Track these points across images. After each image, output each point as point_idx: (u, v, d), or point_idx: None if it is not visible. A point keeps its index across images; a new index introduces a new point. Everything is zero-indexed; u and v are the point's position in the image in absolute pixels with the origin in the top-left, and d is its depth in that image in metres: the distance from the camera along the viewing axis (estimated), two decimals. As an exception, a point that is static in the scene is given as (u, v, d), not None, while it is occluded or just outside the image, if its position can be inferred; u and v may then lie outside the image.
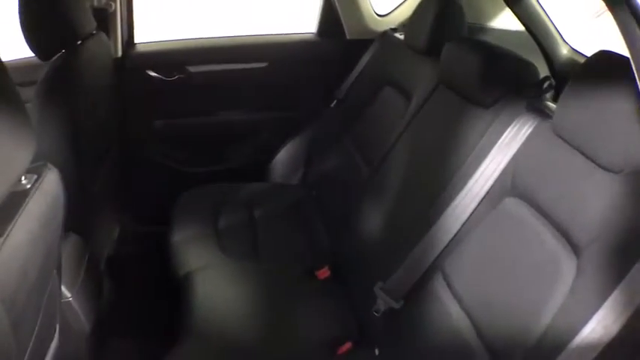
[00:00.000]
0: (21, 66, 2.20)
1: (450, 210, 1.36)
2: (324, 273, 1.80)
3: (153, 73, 2.37)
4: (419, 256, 1.41)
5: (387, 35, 2.21)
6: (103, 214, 2.02)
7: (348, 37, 2.38)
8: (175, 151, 2.51)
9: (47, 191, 1.05)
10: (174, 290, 1.78)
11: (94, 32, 1.87)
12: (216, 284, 1.73)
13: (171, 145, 2.50)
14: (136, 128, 2.43)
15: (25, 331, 0.95)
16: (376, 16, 2.38)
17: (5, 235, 0.86)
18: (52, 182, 1.08)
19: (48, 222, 1.05)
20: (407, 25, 1.98)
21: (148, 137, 2.46)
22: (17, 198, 0.96)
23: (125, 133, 2.34)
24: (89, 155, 1.73)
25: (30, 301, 0.96)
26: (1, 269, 0.83)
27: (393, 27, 2.28)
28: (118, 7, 2.25)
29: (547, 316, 1.04)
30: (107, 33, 2.17)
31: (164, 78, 2.37)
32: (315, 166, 2.26)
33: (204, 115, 2.49)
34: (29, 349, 0.97)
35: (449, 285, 1.32)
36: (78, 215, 1.69)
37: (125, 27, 2.33)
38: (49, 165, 1.11)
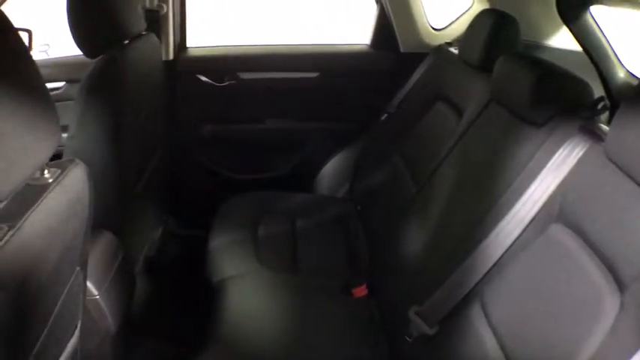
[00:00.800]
0: (71, 63, 2.25)
1: (493, 234, 1.28)
2: (360, 291, 1.74)
3: (204, 78, 2.38)
4: (458, 282, 1.33)
5: (441, 49, 2.15)
6: (144, 215, 2.02)
7: (402, 50, 2.33)
8: (222, 156, 2.50)
9: (69, 187, 1.03)
10: (207, 296, 1.76)
11: (144, 33, 1.88)
12: (249, 294, 1.70)
13: (219, 151, 2.50)
14: (184, 132, 2.44)
15: (32, 325, 0.93)
16: (431, 30, 2.33)
17: (16, 228, 0.84)
18: (76, 178, 1.06)
19: (68, 218, 1.03)
20: (461, 40, 1.92)
21: (196, 141, 2.46)
22: (35, 191, 0.95)
23: (173, 136, 2.35)
24: (131, 155, 1.73)
25: (40, 295, 0.94)
26: (9, 260, 0.82)
27: (448, 41, 2.22)
28: (170, 10, 2.26)
29: (585, 354, 0.95)
30: (159, 35, 2.19)
31: (215, 83, 2.38)
32: (362, 180, 2.21)
33: (253, 123, 2.48)
34: (39, 343, 0.95)
35: (486, 314, 1.24)
36: (115, 214, 1.70)
37: (178, 30, 2.35)
38: (77, 161, 1.09)
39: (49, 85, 2.33)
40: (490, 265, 1.28)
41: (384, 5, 2.26)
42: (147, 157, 1.94)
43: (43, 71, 2.27)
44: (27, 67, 0.90)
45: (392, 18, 2.27)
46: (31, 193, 0.94)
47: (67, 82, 2.32)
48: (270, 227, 2.00)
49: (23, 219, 0.87)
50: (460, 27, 2.26)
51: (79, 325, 1.22)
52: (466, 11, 2.32)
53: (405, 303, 1.46)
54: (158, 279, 2.08)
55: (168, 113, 2.21)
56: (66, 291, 1.09)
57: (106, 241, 1.61)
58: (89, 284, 1.43)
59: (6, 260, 0.81)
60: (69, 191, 1.03)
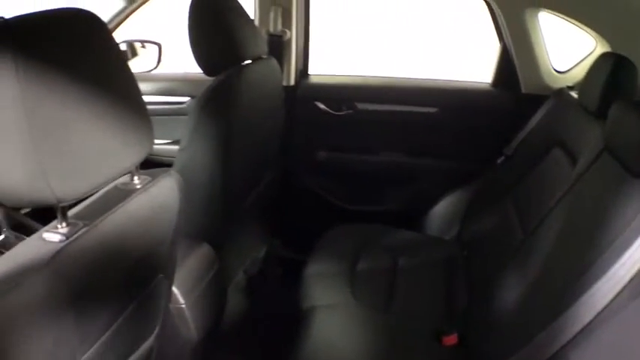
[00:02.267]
0: (195, 80, 2.38)
1: (588, 295, 1.16)
2: (450, 340, 1.64)
3: (322, 105, 2.41)
4: (545, 342, 1.23)
5: (562, 93, 2.03)
6: (247, 233, 2.05)
7: (523, 90, 2.22)
8: (334, 184, 2.51)
9: (156, 195, 1.07)
10: (294, 321, 1.75)
11: (265, 57, 1.93)
12: (336, 326, 1.67)
13: (331, 179, 2.51)
14: (298, 156, 2.48)
15: (94, 322, 0.96)
16: (554, 72, 2.21)
17: (90, 226, 0.89)
18: (164, 187, 1.10)
19: (150, 225, 1.07)
20: (581, 84, 1.82)
21: (308, 167, 2.49)
22: (121, 195, 1.00)
23: (287, 159, 2.40)
24: (239, 173, 1.77)
25: (108, 292, 0.98)
26: (77, 255, 0.86)
27: (569, 85, 2.09)
28: (293, 36, 2.33)
29: None
30: (281, 60, 2.25)
31: (332, 111, 2.40)
32: (472, 224, 2.11)
33: (368, 154, 2.47)
34: (100, 341, 0.98)
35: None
36: (215, 227, 1.74)
37: (300, 56, 2.41)
38: (172, 172, 1.14)
39: (173, 99, 2.50)
40: (580, 327, 1.16)
41: (507, 44, 2.19)
42: (257, 177, 1.98)
43: (168, 85, 2.42)
44: (124, 78, 0.96)
45: (514, 57, 2.19)
46: (116, 196, 0.98)
47: (191, 97, 2.46)
48: (371, 262, 1.96)
49: (100, 219, 0.91)
50: (582, 70, 2.12)
51: (156, 330, 1.25)
52: (589, 54, 2.18)
53: (492, 357, 1.38)
54: (253, 297, 2.10)
55: (284, 137, 2.26)
56: (143, 294, 1.12)
57: (202, 252, 1.65)
58: (177, 292, 1.48)
59: (74, 254, 0.85)
60: (155, 199, 1.06)
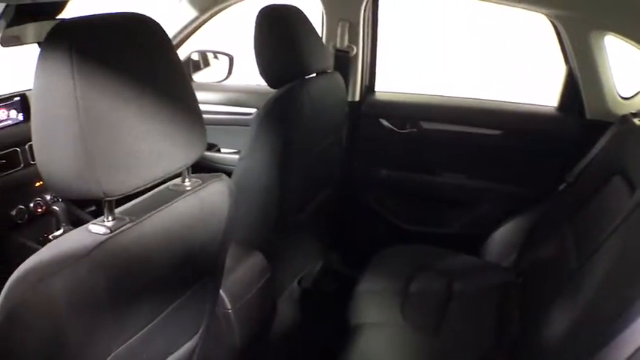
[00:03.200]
0: (263, 92, 2.40)
1: (630, 329, 1.11)
2: (498, 367, 1.61)
3: (386, 123, 2.41)
4: None
5: (626, 119, 1.94)
6: (302, 245, 2.07)
7: (588, 116, 2.15)
8: (393, 203, 2.50)
9: (205, 198, 1.09)
10: (342, 336, 1.75)
11: (329, 71, 1.96)
12: (382, 345, 1.66)
13: (390, 197, 2.50)
14: (360, 172, 2.48)
15: (132, 316, 0.99)
16: (619, 98, 2.13)
17: (135, 222, 0.93)
18: (215, 191, 1.12)
19: (197, 227, 1.09)
20: None
21: (369, 184, 2.49)
22: (170, 195, 1.03)
23: (348, 175, 2.41)
24: (297, 185, 1.79)
25: (150, 290, 1.01)
26: (119, 249, 0.90)
27: (633, 111, 2.00)
28: (360, 52, 2.34)
29: None
30: (347, 76, 2.28)
31: (396, 129, 2.40)
32: (530, 251, 2.05)
33: (429, 174, 2.44)
34: (138, 335, 1.01)
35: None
36: (269, 237, 1.77)
37: (367, 72, 2.42)
38: (224, 177, 1.16)
39: (241, 110, 2.56)
40: (627, 355, 1.11)
41: (572, 67, 2.12)
42: (315, 190, 2.00)
43: (237, 96, 2.50)
44: (179, 82, 1.00)
45: (579, 81, 2.12)
46: (165, 197, 1.02)
47: (258, 109, 2.51)
48: (424, 283, 1.93)
49: (146, 216, 0.95)
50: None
51: (200, 332, 1.27)
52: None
53: None
54: (303, 309, 2.11)
55: (346, 152, 2.27)
56: (186, 295, 1.14)
57: (253, 261, 1.68)
58: (224, 297, 1.50)
59: (117, 247, 0.89)
60: (203, 201, 1.09)
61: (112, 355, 0.95)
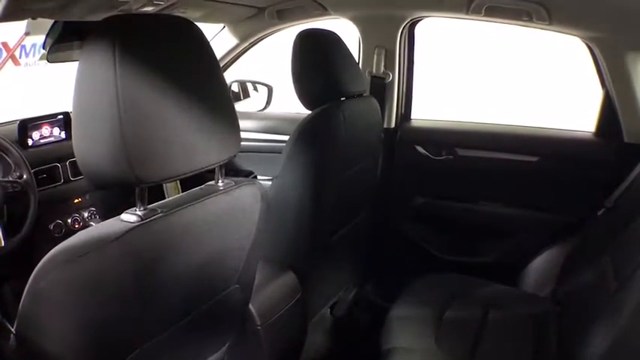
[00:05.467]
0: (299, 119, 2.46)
1: None
2: (533, 397, 1.55)
3: (422, 149, 2.41)
4: None
5: None
6: (334, 269, 2.06)
7: (626, 140, 2.10)
8: (429, 231, 2.48)
9: (237, 199, 1.12)
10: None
11: (365, 95, 1.98)
12: None
13: (426, 225, 2.48)
14: (395, 200, 2.47)
15: (158, 311, 1.00)
16: None
17: (167, 213, 0.96)
18: (247, 194, 1.15)
19: (227, 226, 1.11)
20: None
21: (404, 211, 2.48)
22: (202, 193, 1.07)
23: (384, 201, 2.40)
24: (331, 206, 1.80)
25: (177, 286, 1.02)
26: (148, 238, 0.93)
27: None
28: (395, 79, 2.37)
29: None
30: (383, 102, 2.31)
31: (432, 156, 2.39)
32: (568, 279, 1.99)
33: (465, 202, 2.42)
34: (162, 337, 1.02)
35: None
36: (301, 257, 1.77)
37: (402, 99, 2.43)
38: (255, 181, 1.19)
39: (278, 138, 2.58)
40: None
41: (609, 90, 2.09)
42: (349, 213, 2.00)
43: (274, 124, 2.53)
44: (215, 82, 1.05)
45: (617, 104, 2.09)
46: (198, 194, 1.05)
47: None
48: (459, 311, 1.89)
49: (178, 209, 0.98)
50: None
51: (227, 344, 1.27)
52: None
53: None
54: (335, 337, 2.09)
55: (381, 179, 2.27)
56: (214, 301, 1.15)
57: (284, 279, 1.68)
58: (254, 312, 1.51)
59: (146, 235, 0.92)
60: (235, 201, 1.12)
61: (137, 351, 0.97)
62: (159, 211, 0.95)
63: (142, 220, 0.91)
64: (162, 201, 1.01)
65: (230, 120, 1.06)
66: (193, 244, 1.02)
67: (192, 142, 0.97)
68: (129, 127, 0.87)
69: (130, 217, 0.92)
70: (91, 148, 0.90)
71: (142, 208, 0.93)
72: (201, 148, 0.99)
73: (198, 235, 1.03)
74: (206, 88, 1.01)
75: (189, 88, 0.96)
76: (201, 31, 1.04)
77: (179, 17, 1.02)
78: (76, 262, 0.84)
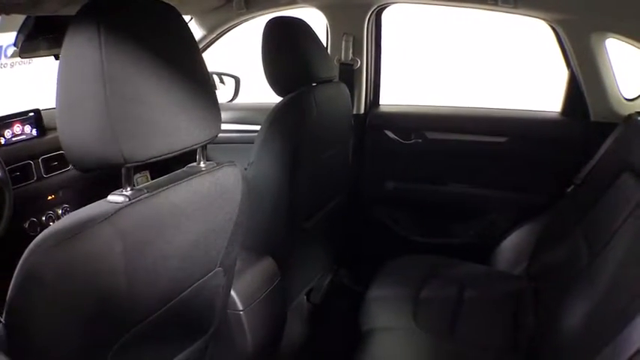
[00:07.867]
0: (268, 108, 2.46)
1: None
2: (514, 370, 1.59)
3: (391, 134, 2.43)
4: (611, 356, 1.17)
5: (631, 119, 1.94)
6: (310, 254, 2.08)
7: (592, 119, 2.16)
8: (401, 214, 2.51)
9: (219, 178, 1.14)
10: (353, 342, 1.74)
11: (334, 81, 2.00)
12: (395, 349, 1.66)
13: (398, 208, 2.50)
14: (367, 185, 2.49)
15: (146, 295, 1.00)
16: (623, 100, 2.13)
17: (154, 192, 0.97)
18: (228, 174, 1.16)
19: (211, 205, 1.12)
20: None
21: (377, 196, 2.50)
22: (185, 173, 1.08)
23: (356, 187, 2.42)
24: (305, 191, 1.81)
25: (162, 266, 1.02)
26: (137, 217, 0.93)
27: (638, 110, 2.00)
28: (364, 66, 2.39)
29: None
30: (352, 89, 2.32)
31: (401, 140, 2.42)
32: (541, 257, 2.04)
33: (436, 184, 2.45)
34: (149, 320, 1.03)
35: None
36: (278, 242, 1.78)
37: (371, 85, 2.45)
38: (235, 164, 1.20)
39: (248, 128, 2.57)
40: (630, 353, 1.10)
41: (575, 71, 2.14)
42: (323, 198, 2.01)
43: (244, 114, 2.53)
44: (196, 64, 1.06)
45: (582, 85, 2.13)
46: (181, 175, 1.07)
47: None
48: (436, 290, 1.93)
49: (163, 189, 0.99)
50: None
51: (210, 331, 1.28)
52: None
53: None
54: (313, 323, 2.11)
55: (353, 164, 2.29)
56: (199, 284, 1.16)
57: (263, 264, 1.69)
58: (235, 297, 1.51)
59: (134, 215, 0.93)
60: (218, 181, 1.13)
61: (125, 337, 0.97)
62: (145, 191, 0.96)
63: (130, 200, 0.92)
64: (147, 183, 1.02)
65: (211, 101, 1.07)
66: (180, 224, 1.03)
67: (175, 123, 0.98)
68: (115, 107, 0.88)
69: (117, 198, 0.92)
70: (77, 129, 0.90)
71: (128, 189, 0.94)
72: (186, 128, 1.00)
73: (184, 215, 1.04)
74: (188, 70, 1.02)
75: (172, 69, 0.97)
76: (181, 15, 1.05)
77: (160, 1, 1.02)
78: (66, 244, 0.84)
